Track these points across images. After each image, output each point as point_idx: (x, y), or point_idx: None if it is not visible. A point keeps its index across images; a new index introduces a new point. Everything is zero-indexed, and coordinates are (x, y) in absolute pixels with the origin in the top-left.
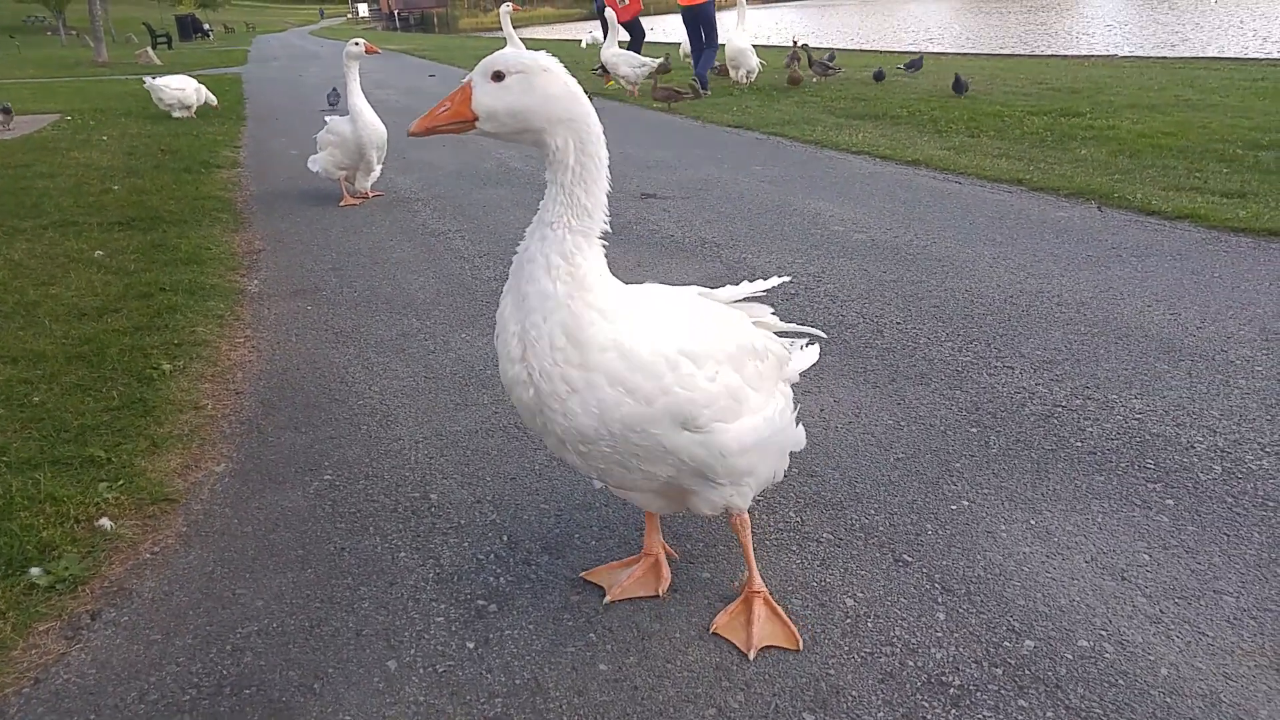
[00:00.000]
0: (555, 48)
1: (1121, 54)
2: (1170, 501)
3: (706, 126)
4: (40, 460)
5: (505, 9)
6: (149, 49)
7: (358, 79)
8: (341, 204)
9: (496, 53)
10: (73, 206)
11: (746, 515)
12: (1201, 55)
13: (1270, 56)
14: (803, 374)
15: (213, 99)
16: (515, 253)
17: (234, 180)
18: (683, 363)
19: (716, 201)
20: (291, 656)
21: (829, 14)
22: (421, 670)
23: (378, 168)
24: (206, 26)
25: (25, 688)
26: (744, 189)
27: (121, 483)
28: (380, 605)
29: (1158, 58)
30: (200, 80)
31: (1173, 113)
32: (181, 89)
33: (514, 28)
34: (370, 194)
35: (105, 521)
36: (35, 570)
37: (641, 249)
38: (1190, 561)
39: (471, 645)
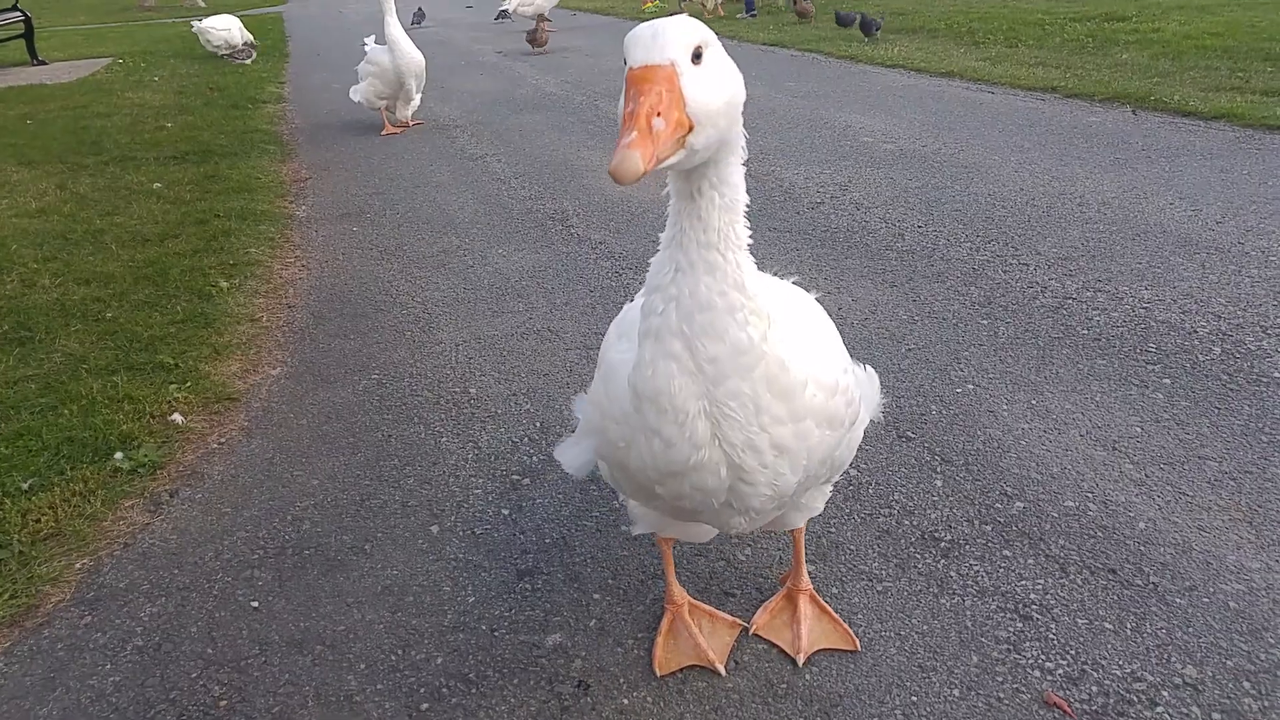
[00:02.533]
0: None
1: None
2: (1167, 380)
3: (741, 45)
4: (117, 366)
5: None
6: None
7: (394, 10)
8: (383, 133)
9: (671, 21)
10: (130, 143)
11: None
12: None
13: None
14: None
15: (249, 35)
16: (653, 298)
17: (279, 114)
18: (846, 363)
19: (748, 117)
20: (344, 524)
21: None
22: (461, 533)
23: (417, 96)
24: None
25: (116, 550)
26: (776, 105)
27: (189, 384)
28: (424, 481)
29: None
30: (243, 21)
31: (1222, 13)
32: (227, 29)
33: None
34: (411, 123)
35: (177, 416)
36: (119, 456)
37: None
38: (1179, 432)
39: (506, 512)
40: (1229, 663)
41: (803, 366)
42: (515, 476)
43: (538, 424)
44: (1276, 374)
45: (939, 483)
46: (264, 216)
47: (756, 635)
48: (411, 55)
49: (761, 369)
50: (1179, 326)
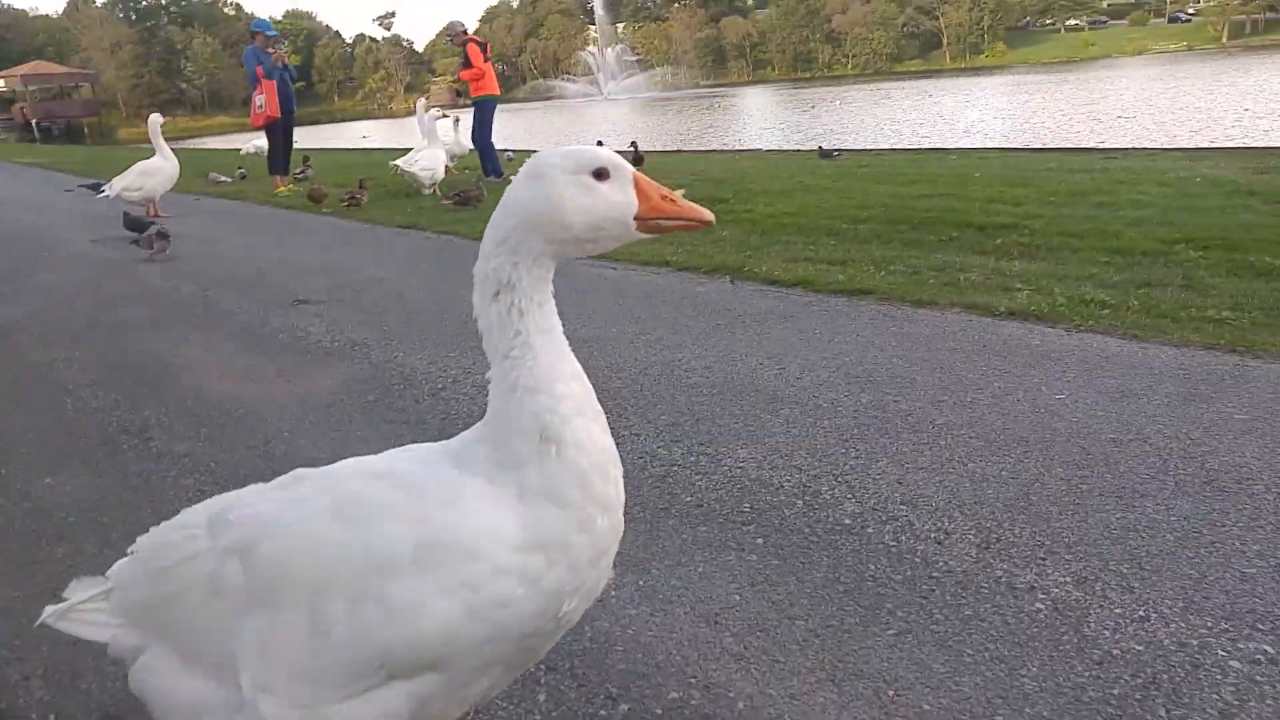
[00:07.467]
0: (219, 158)
1: (767, 148)
2: (760, 540)
3: (374, 229)
4: None
5: (155, 119)
6: None
7: None
8: None
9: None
10: None
11: None
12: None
13: (877, 147)
14: None
15: None
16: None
17: None
18: None
19: (374, 302)
20: None
21: (515, 118)
22: None
23: None
24: None
25: None
26: (404, 289)
27: None
28: None
29: (794, 150)
30: None
31: (796, 197)
32: None
33: (164, 139)
34: None
35: None
36: None
37: (284, 357)
38: (772, 594)
39: None
40: None
41: None
42: None
43: None
44: (846, 520)
45: (542, 697)
46: None
47: None
48: None
49: None
50: (768, 483)
